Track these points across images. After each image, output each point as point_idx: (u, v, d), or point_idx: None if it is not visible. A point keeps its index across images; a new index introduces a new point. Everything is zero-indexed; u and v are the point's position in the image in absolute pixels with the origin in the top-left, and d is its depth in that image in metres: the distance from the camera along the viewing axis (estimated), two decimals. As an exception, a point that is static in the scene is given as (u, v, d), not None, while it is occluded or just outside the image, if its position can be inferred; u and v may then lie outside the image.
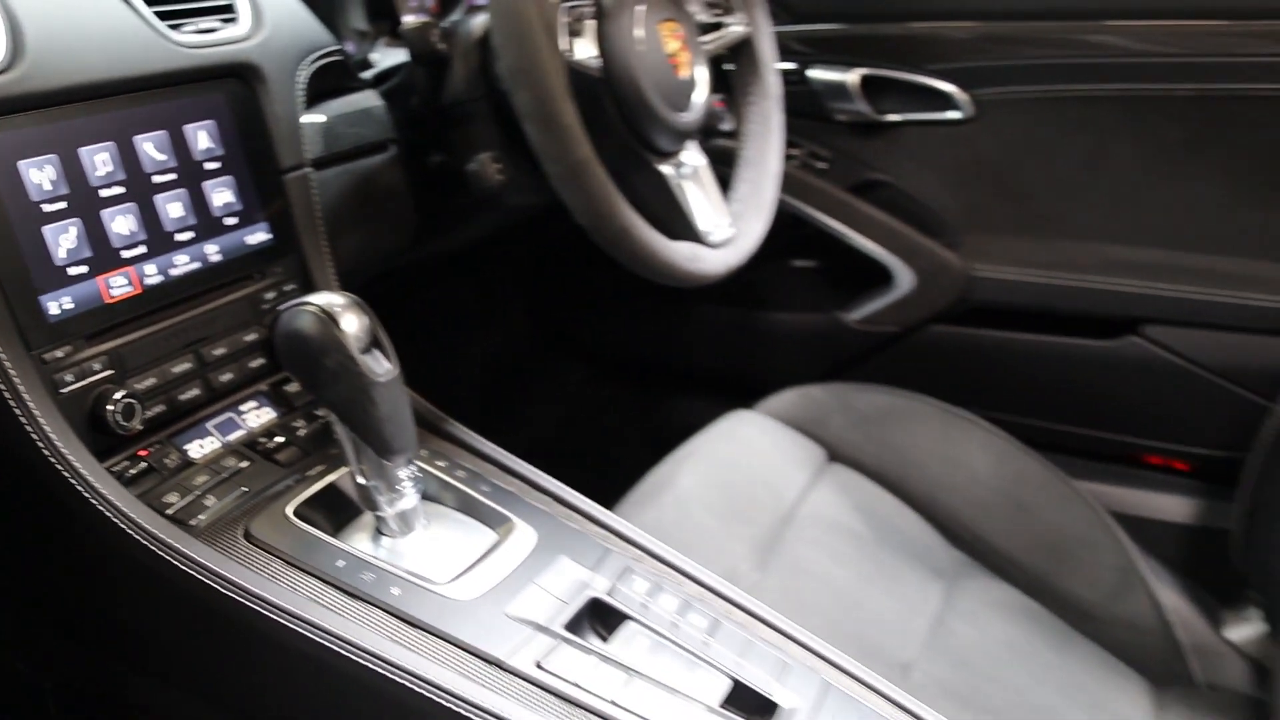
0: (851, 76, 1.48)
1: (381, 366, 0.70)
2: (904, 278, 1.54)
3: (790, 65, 1.50)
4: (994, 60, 1.44)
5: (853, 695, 0.75)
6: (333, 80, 0.93)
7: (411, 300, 1.19)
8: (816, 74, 1.51)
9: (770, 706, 0.72)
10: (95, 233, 0.73)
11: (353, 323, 0.68)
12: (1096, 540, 1.34)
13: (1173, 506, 1.48)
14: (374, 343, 0.70)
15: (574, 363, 1.93)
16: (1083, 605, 1.32)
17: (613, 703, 0.68)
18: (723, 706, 0.71)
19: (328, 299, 0.69)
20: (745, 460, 1.32)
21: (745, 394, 1.46)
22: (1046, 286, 1.49)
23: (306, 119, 0.89)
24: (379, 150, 0.99)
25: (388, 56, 1.10)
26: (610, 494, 1.25)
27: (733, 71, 1.20)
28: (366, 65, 1.05)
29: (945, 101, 1.45)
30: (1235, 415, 1.38)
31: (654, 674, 0.72)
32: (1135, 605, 1.32)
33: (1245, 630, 1.30)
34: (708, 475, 1.27)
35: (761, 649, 0.76)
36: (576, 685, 0.69)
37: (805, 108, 1.52)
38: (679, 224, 1.03)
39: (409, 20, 0.99)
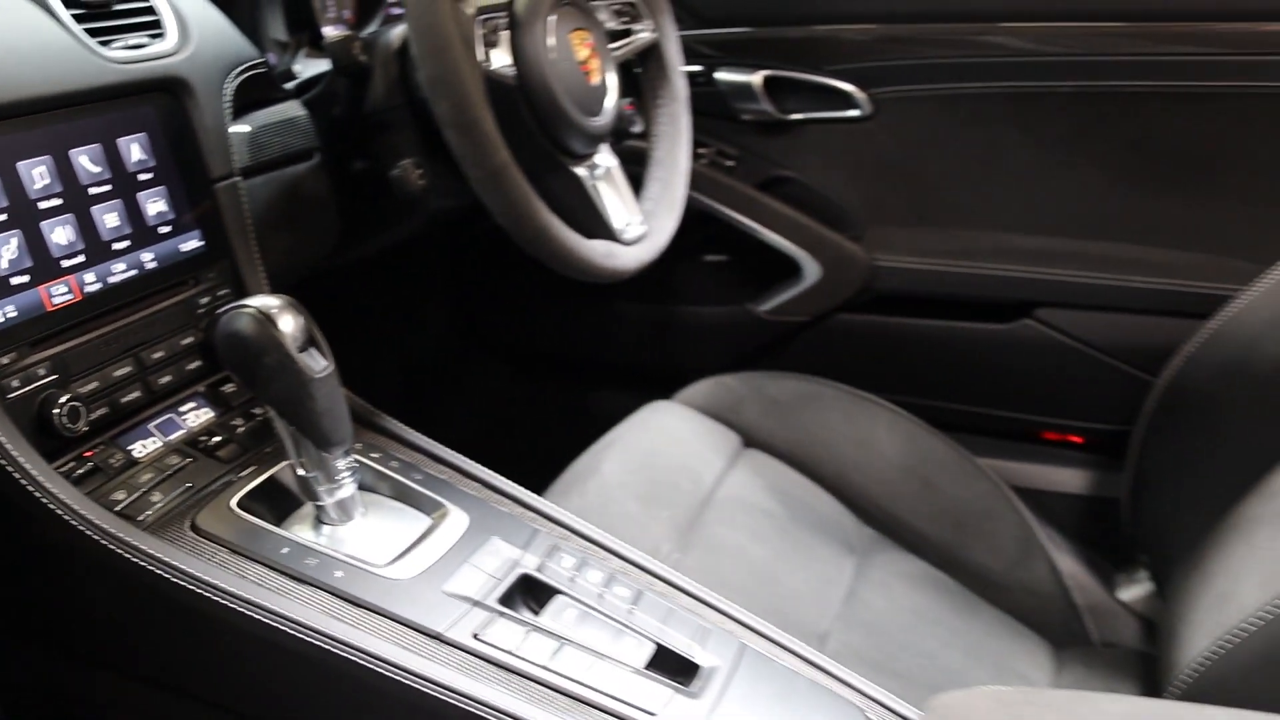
0: (755, 78, 1.53)
1: (318, 363, 0.73)
2: (810, 269, 1.58)
3: (697, 68, 1.55)
4: (890, 60, 1.50)
5: (768, 655, 0.80)
6: (258, 91, 0.96)
7: (338, 302, 1.22)
8: (723, 76, 1.55)
9: (691, 667, 0.77)
10: (35, 243, 0.75)
11: (289, 322, 0.72)
12: (998, 512, 1.41)
13: (1068, 478, 1.55)
14: (310, 341, 0.74)
15: (497, 360, 1.94)
16: (986, 574, 1.38)
17: (545, 668, 0.72)
18: (647, 669, 0.75)
19: (264, 301, 0.72)
20: (664, 448, 1.36)
21: (664, 385, 1.50)
22: (945, 274, 1.55)
23: (234, 129, 0.92)
24: (304, 158, 1.02)
25: (309, 67, 1.12)
26: (536, 484, 1.28)
27: (642, 76, 1.25)
28: (290, 76, 1.08)
29: (845, 100, 1.51)
30: (1122, 391, 1.45)
31: (583, 641, 0.76)
32: (1035, 572, 1.38)
33: (1135, 590, 1.39)
34: (629, 462, 1.30)
35: (682, 616, 0.81)
36: (511, 654, 0.73)
37: (713, 108, 1.56)
38: (594, 223, 1.08)
39: (331, 33, 1.03)
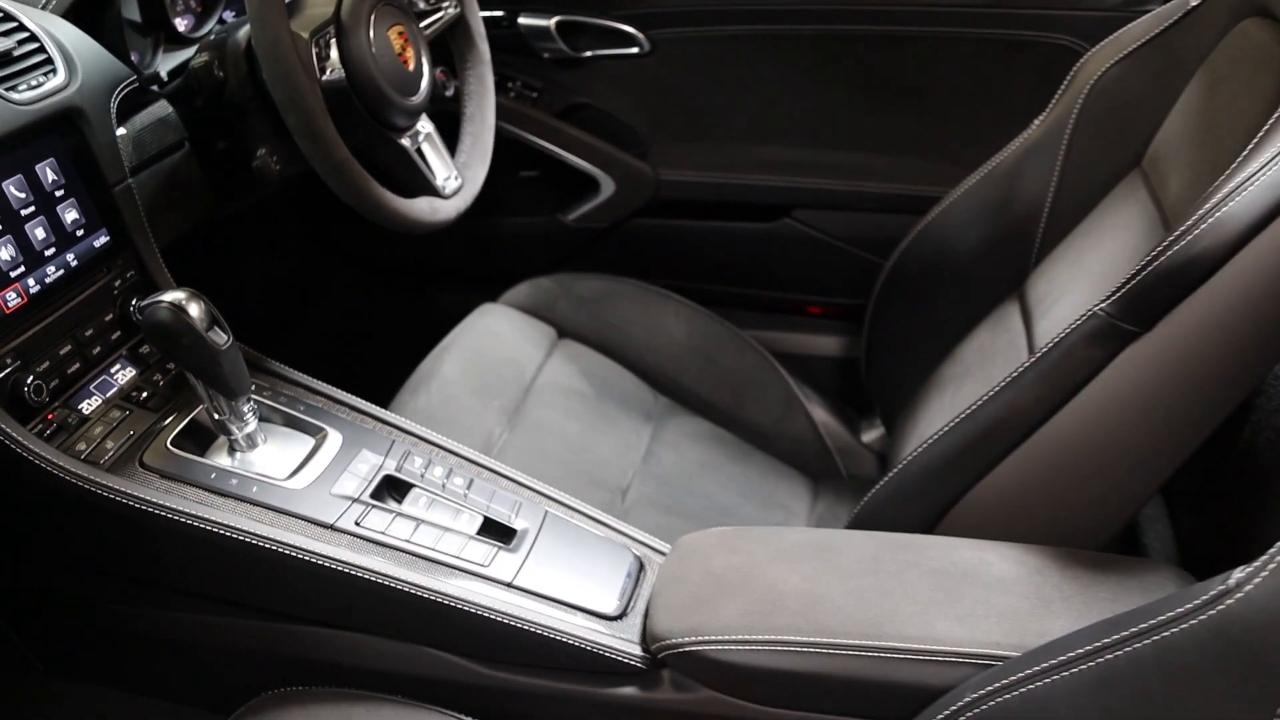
0: (550, 22, 1.71)
1: (221, 338, 0.93)
2: (606, 184, 1.78)
3: (500, 13, 1.71)
4: (664, 8, 1.69)
5: (565, 518, 1.07)
6: (133, 100, 1.12)
7: (212, 243, 1.39)
8: (524, 20, 1.73)
9: (510, 532, 1.03)
10: None
11: (196, 310, 0.92)
12: (766, 377, 1.63)
13: (822, 344, 1.79)
14: (213, 321, 0.93)
15: (352, 270, 2.07)
16: (758, 427, 1.61)
17: (408, 541, 0.98)
18: (479, 534, 1.01)
19: (176, 295, 0.91)
20: (492, 346, 1.53)
21: (491, 284, 1.68)
22: (717, 184, 1.76)
23: (120, 134, 1.08)
24: (177, 148, 1.19)
25: (168, 61, 1.28)
26: (390, 380, 1.47)
27: (451, 45, 1.41)
28: (155, 78, 1.23)
29: (628, 40, 1.70)
30: (862, 273, 1.67)
31: (433, 520, 1.01)
32: (796, 423, 1.62)
33: (873, 433, 1.66)
34: (463, 362, 1.48)
35: (503, 494, 1.06)
36: (383, 534, 0.98)
37: (518, 47, 1.74)
38: (420, 183, 1.28)
39: (180, 26, 1.17)
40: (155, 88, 1.21)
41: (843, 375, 1.78)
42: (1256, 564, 0.64)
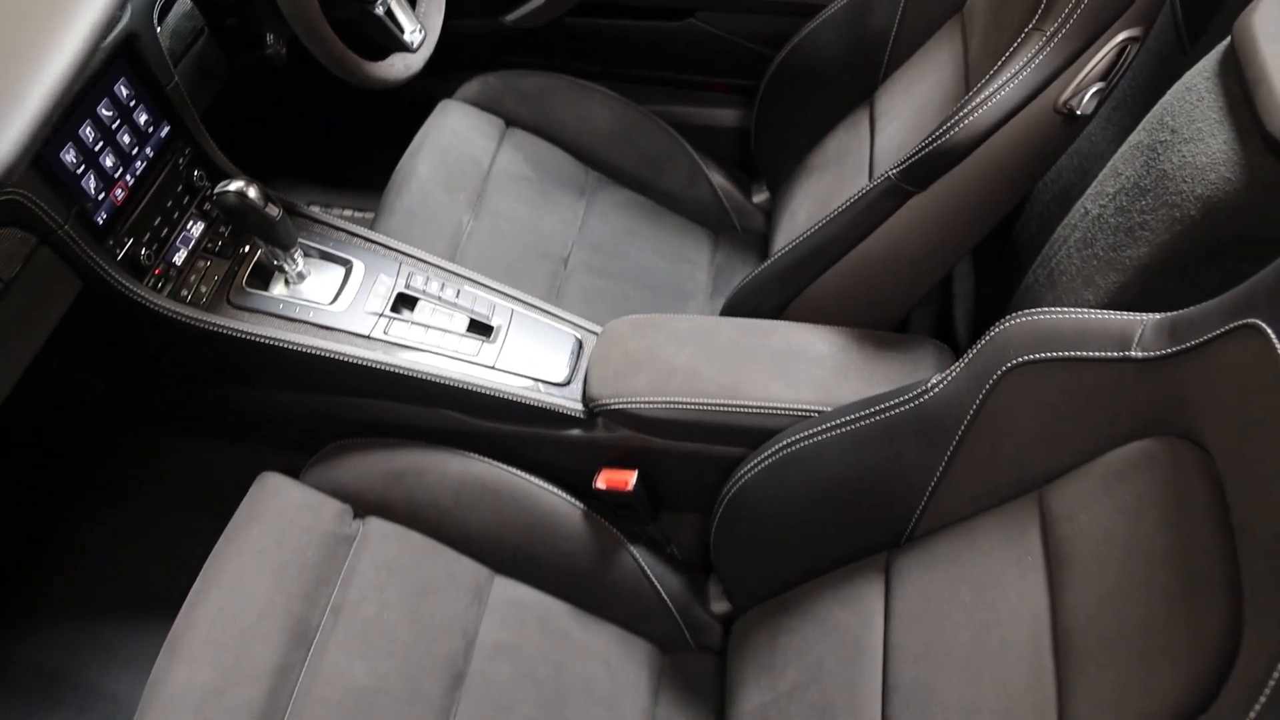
0: None
1: (275, 211, 1.26)
2: None
3: None
4: None
5: (525, 313, 1.43)
6: (166, 5, 1.39)
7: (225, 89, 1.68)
8: None
9: (489, 328, 1.37)
10: (100, 171, 1.19)
11: (255, 193, 1.22)
12: (675, 153, 1.92)
13: (722, 116, 2.05)
14: (267, 199, 1.27)
15: (320, 75, 2.29)
16: (670, 193, 1.89)
17: (421, 341, 1.36)
18: (467, 332, 1.38)
19: (239, 185, 1.24)
20: (454, 142, 1.75)
21: (447, 73, 1.91)
22: None
23: (162, 39, 1.36)
24: (199, 35, 1.47)
25: None
26: (377, 161, 1.78)
27: None
28: None
29: None
30: (756, 60, 1.88)
31: (435, 324, 1.36)
32: (700, 189, 1.89)
33: (761, 196, 1.93)
34: (433, 161, 1.70)
35: (483, 299, 1.42)
36: (404, 338, 1.35)
37: None
38: (393, 43, 1.59)
39: None
40: (175, -15, 1.49)
41: (738, 144, 2.01)
42: (944, 374, 1.09)
